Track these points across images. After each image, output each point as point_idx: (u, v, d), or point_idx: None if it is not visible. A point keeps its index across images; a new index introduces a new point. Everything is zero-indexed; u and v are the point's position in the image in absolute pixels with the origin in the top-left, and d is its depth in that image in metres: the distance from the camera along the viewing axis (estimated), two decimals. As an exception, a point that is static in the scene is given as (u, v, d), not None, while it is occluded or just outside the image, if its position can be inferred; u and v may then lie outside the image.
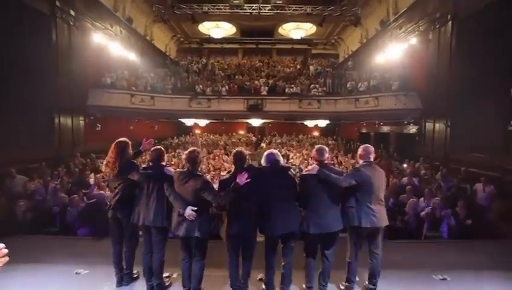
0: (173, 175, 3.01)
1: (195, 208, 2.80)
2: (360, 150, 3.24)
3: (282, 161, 3.16)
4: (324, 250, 3.05)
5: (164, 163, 3.22)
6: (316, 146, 3.23)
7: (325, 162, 3.14)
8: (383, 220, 3.06)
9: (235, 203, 2.86)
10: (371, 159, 3.17)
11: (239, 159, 3.02)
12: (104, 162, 3.30)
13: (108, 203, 3.28)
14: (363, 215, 2.97)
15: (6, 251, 1.45)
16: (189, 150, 3.08)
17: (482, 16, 8.05)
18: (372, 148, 3.23)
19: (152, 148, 3.27)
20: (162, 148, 3.31)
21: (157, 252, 3.04)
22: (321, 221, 2.93)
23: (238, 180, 2.77)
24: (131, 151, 3.35)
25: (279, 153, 3.17)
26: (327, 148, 3.19)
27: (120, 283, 3.21)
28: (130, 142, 3.35)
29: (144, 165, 3.46)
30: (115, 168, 3.15)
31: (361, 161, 3.19)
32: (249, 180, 2.78)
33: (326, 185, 2.95)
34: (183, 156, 3.14)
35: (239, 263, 3.02)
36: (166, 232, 3.07)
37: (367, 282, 3.15)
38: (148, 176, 3.08)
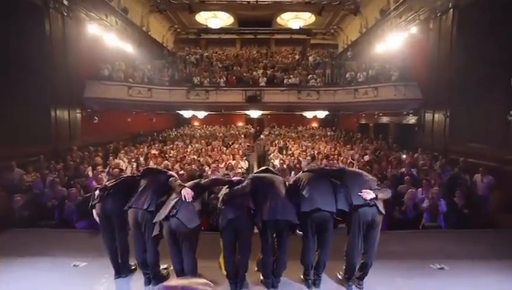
0: (174, 175, 3.21)
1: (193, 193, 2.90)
2: None
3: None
4: (318, 238, 3.04)
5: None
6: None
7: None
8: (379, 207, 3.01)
9: (228, 192, 3.00)
10: None
11: None
12: None
13: (98, 194, 3.19)
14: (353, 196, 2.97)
15: None
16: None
17: (483, 4, 7.91)
18: None
19: None
20: None
21: (150, 246, 3.01)
22: (312, 201, 2.95)
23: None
24: None
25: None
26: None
27: (118, 275, 3.21)
28: None
29: None
30: None
31: None
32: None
33: (320, 177, 3.11)
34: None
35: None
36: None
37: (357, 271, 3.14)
38: (147, 170, 3.30)
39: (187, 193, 2.84)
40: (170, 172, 3.26)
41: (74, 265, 3.47)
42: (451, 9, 9.14)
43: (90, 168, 7.60)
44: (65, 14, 9.74)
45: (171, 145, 11.24)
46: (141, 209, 2.95)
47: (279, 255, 3.02)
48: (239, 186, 2.99)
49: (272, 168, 3.50)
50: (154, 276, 3.06)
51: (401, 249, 3.97)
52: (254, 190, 3.01)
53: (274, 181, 3.10)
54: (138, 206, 2.97)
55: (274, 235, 3.06)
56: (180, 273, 2.96)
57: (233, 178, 3.18)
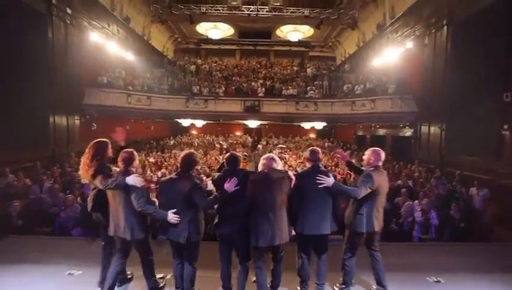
0: (137, 185, 2.74)
1: (174, 210, 2.74)
2: (370, 155, 3.09)
3: (279, 165, 3.01)
4: (318, 252, 3.04)
5: (133, 168, 2.92)
6: (310, 148, 3.17)
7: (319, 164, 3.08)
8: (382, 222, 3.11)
9: (224, 205, 2.86)
10: (380, 164, 3.06)
11: (232, 161, 2.95)
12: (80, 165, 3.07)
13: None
14: (374, 220, 2.96)
15: None
16: (184, 152, 3.02)
17: (476, 21, 8.16)
18: (383, 153, 3.12)
19: (123, 151, 2.95)
20: (133, 151, 2.98)
21: (144, 258, 2.97)
22: (314, 222, 2.91)
23: (225, 187, 2.73)
24: (110, 152, 3.12)
25: (276, 158, 3.01)
26: (320, 151, 3.15)
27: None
28: (108, 143, 3.16)
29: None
30: (89, 172, 2.93)
31: (368, 166, 3.09)
32: (237, 187, 2.75)
33: (317, 185, 2.86)
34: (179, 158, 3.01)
35: (234, 266, 2.98)
36: (143, 242, 2.92)
37: (374, 287, 3.15)
38: (110, 185, 2.77)
39: (171, 219, 2.73)
40: (129, 178, 2.72)
41: (69, 273, 3.43)
42: (445, 27, 9.42)
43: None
44: (68, 22, 9.89)
45: (169, 154, 11.23)
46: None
47: (275, 266, 3.00)
48: (235, 206, 2.82)
49: (276, 161, 2.95)
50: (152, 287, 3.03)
51: (397, 261, 3.96)
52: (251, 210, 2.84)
53: (269, 202, 2.78)
54: (120, 235, 2.82)
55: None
56: (180, 279, 2.95)
57: (226, 187, 2.74)
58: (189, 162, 2.90)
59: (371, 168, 3.02)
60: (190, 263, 2.90)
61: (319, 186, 2.83)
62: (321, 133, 19.15)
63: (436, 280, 3.44)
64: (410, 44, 10.52)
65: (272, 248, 2.88)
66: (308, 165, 3.09)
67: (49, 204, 5.50)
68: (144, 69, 14.38)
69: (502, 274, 3.55)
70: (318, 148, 3.17)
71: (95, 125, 11.29)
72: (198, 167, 8.73)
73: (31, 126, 8.46)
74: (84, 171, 3.00)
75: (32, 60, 8.45)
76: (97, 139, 3.14)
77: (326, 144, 15.79)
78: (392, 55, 10.98)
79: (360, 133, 17.07)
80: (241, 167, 3.03)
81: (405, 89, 11.52)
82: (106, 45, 10.87)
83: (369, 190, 2.88)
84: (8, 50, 7.66)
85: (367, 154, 3.11)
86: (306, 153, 3.15)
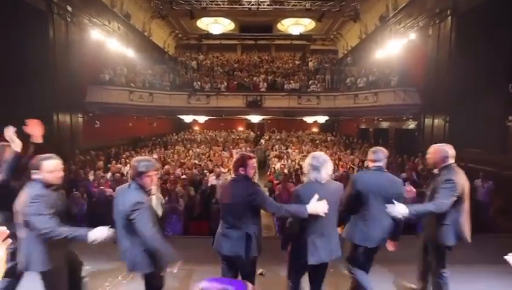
0: (34, 192, 2.05)
1: (107, 228, 2.16)
2: (433, 153, 2.64)
3: (329, 171, 2.34)
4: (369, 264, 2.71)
5: (40, 174, 2.12)
6: (372, 148, 2.70)
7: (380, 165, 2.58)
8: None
9: (226, 220, 2.40)
10: (452, 161, 2.57)
11: (239, 166, 2.40)
12: None
13: None
14: (463, 228, 2.64)
15: (7, 231, 1.44)
16: (136, 158, 2.36)
17: (481, 11, 8.03)
18: (451, 148, 2.61)
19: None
20: (51, 155, 2.29)
21: None
22: (376, 233, 2.51)
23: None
24: (7, 157, 2.51)
25: (325, 160, 2.31)
26: (383, 150, 2.62)
27: None
28: (5, 146, 2.58)
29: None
30: None
31: (438, 168, 2.63)
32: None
33: (381, 191, 2.45)
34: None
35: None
36: (45, 275, 2.13)
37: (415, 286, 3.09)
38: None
39: (96, 239, 2.16)
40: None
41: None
42: (449, 17, 9.28)
43: (92, 172, 7.64)
44: (69, 19, 9.89)
45: (172, 150, 11.29)
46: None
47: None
48: (238, 222, 2.31)
49: (325, 165, 2.29)
50: None
51: (400, 253, 3.96)
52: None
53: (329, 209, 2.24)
54: (24, 270, 2.23)
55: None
56: None
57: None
58: (135, 171, 2.16)
59: (445, 170, 2.54)
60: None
61: (387, 210, 2.35)
62: (323, 127, 19.13)
63: (439, 272, 3.44)
64: (413, 35, 10.37)
65: (316, 266, 2.38)
66: (371, 165, 2.62)
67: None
68: (146, 66, 14.39)
69: (505, 266, 3.54)
70: (380, 148, 2.65)
71: (98, 122, 11.37)
72: (202, 164, 8.77)
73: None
74: None
75: (33, 59, 8.46)
76: None
77: (329, 137, 15.79)
78: (395, 47, 10.85)
79: (363, 126, 16.99)
80: (255, 169, 2.52)
81: (408, 81, 11.42)
82: (107, 42, 10.86)
83: (455, 199, 2.45)
84: (9, 49, 7.68)
85: (430, 154, 2.69)
86: (369, 154, 2.66)
